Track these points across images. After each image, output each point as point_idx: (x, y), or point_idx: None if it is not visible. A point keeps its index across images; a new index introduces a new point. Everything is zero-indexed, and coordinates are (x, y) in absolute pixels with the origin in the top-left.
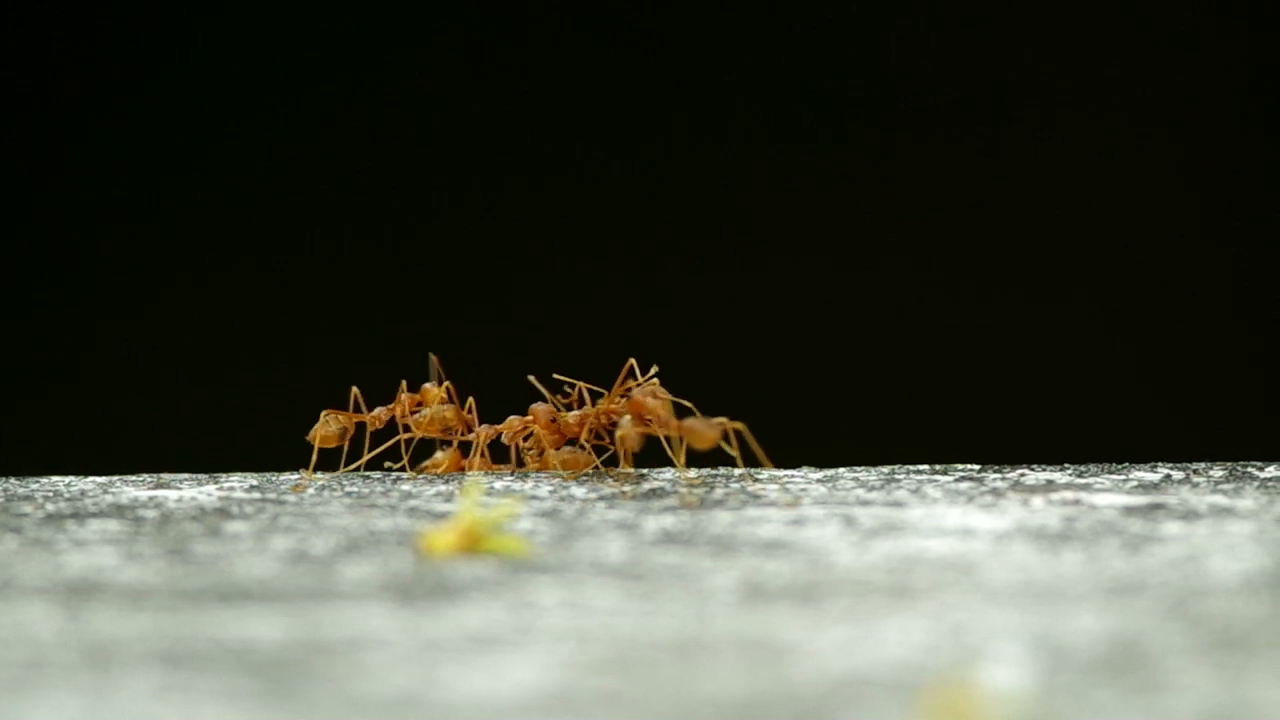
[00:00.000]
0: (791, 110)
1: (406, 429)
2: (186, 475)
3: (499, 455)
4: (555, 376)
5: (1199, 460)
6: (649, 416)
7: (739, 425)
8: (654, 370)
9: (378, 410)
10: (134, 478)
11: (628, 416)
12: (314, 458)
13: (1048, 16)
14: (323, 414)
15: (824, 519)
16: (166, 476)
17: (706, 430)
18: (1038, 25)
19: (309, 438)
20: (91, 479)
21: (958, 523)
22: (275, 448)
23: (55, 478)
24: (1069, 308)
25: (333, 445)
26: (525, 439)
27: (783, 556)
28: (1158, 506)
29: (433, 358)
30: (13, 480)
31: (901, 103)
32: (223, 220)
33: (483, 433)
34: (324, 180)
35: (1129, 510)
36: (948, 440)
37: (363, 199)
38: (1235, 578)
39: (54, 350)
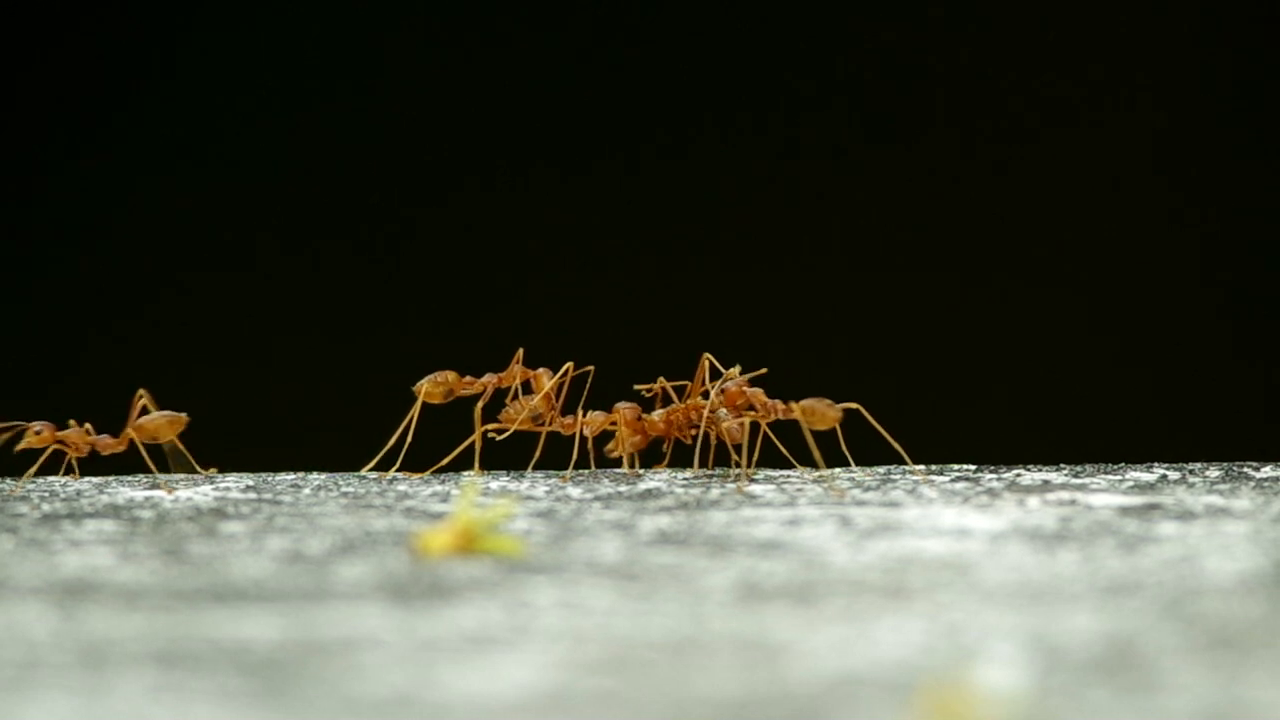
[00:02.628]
0: (792, 109)
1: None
2: (182, 475)
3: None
4: (636, 388)
5: (1195, 460)
6: (754, 404)
7: (854, 405)
8: (736, 369)
9: (488, 377)
10: (130, 478)
11: (723, 410)
12: (414, 410)
13: (1047, 16)
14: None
15: (820, 519)
16: (162, 477)
17: (829, 411)
18: (1038, 25)
19: (415, 389)
20: (87, 479)
21: (953, 523)
22: (271, 449)
23: (51, 478)
24: (1065, 308)
25: (435, 401)
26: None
27: (778, 556)
28: (1153, 507)
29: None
30: (8, 480)
31: (902, 103)
32: (220, 220)
33: (566, 422)
34: (325, 181)
35: (1125, 510)
36: (943, 440)
37: (362, 200)
38: (1231, 578)
39: (50, 350)
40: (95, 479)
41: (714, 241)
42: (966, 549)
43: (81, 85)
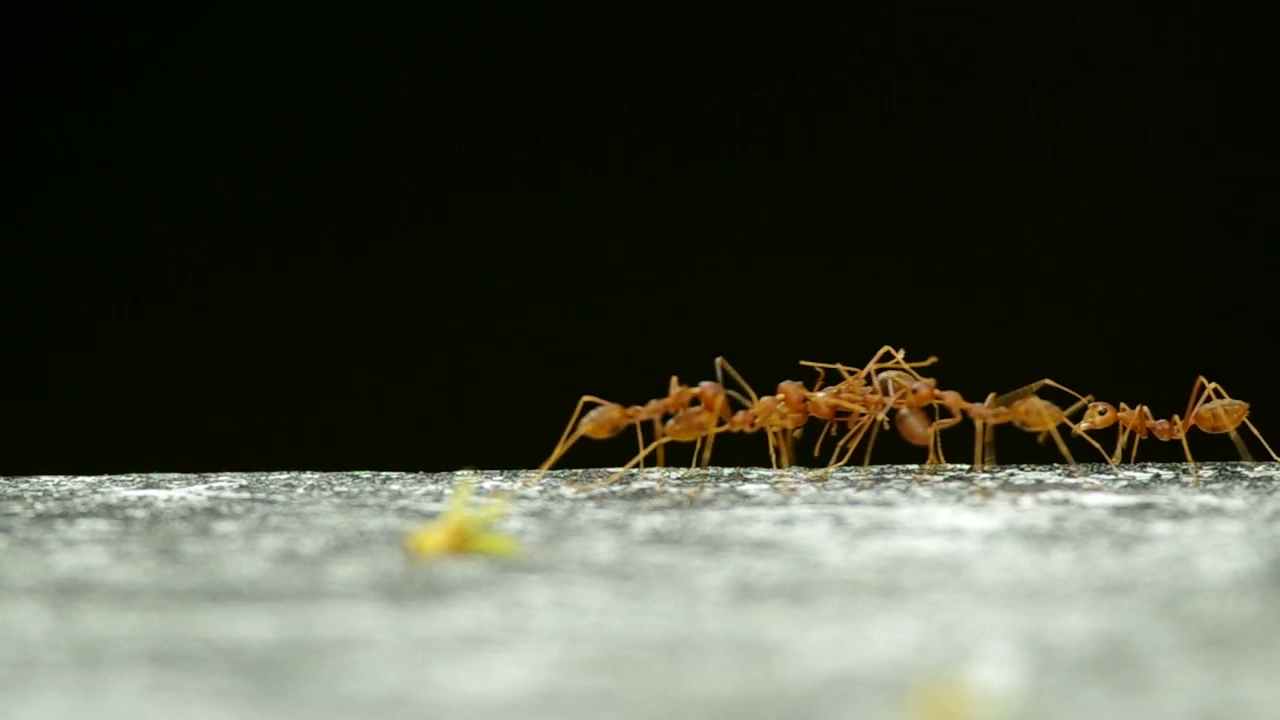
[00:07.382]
0: (791, 109)
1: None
2: (176, 475)
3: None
4: (803, 363)
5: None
6: (947, 406)
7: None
8: (931, 360)
9: (652, 404)
10: (123, 477)
11: (904, 410)
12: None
13: (1045, 15)
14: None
15: (813, 519)
16: (156, 476)
17: (1050, 412)
18: (1036, 24)
19: (583, 429)
20: (81, 479)
21: (947, 522)
22: (264, 448)
23: (44, 477)
24: (1058, 307)
25: (601, 436)
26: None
27: (772, 556)
28: (1147, 506)
29: (719, 362)
30: (1, 480)
31: (901, 103)
32: (215, 222)
33: (738, 420)
34: (315, 183)
35: (1118, 510)
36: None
37: (353, 201)
38: (1224, 577)
39: (44, 349)
40: (89, 478)
41: (711, 242)
42: (960, 548)
43: (81, 85)
